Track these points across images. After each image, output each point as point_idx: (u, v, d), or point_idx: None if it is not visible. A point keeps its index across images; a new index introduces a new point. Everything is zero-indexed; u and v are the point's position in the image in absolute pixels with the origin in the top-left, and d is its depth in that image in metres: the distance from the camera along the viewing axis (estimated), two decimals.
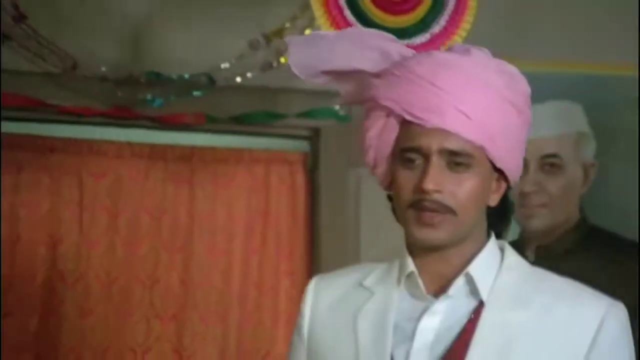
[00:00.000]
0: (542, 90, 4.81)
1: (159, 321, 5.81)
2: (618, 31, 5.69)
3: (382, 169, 3.13)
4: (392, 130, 3.07)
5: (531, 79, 4.62)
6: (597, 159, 5.10)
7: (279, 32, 5.47)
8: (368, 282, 3.27)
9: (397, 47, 3.20)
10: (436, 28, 4.95)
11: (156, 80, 5.40)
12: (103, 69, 5.35)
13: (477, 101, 3.00)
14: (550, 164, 5.17)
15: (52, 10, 5.32)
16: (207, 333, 5.90)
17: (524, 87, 3.12)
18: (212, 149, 5.79)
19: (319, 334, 3.32)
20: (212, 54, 5.44)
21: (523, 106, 3.11)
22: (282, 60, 5.49)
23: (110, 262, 5.72)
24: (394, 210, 3.13)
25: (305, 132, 5.83)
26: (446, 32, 4.91)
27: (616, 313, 3.08)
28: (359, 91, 3.20)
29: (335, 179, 5.73)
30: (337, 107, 5.68)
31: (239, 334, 5.99)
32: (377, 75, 3.13)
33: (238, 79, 5.39)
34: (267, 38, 5.51)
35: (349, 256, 5.36)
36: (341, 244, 5.62)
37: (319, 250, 5.81)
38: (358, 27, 3.89)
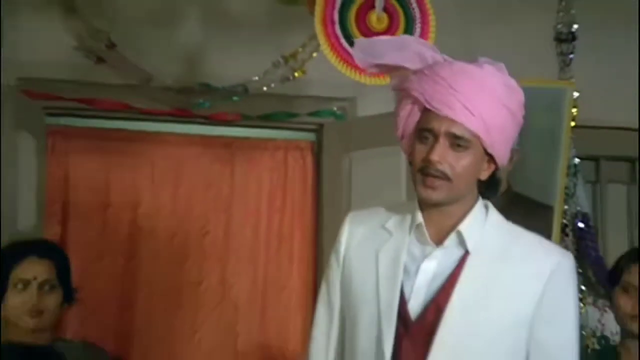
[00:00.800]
0: None
1: (208, 262, 5.83)
2: (539, 54, 5.46)
3: (406, 141, 3.26)
4: (416, 114, 3.19)
5: None
6: (519, 146, 5.16)
7: (294, 55, 5.47)
8: (389, 225, 3.33)
9: (432, 53, 3.27)
10: None
11: (206, 89, 5.40)
12: (169, 81, 5.37)
13: (480, 102, 3.11)
14: None
15: (134, 39, 5.30)
16: (242, 270, 5.93)
17: (520, 97, 3.21)
18: (246, 139, 5.79)
19: (351, 259, 3.38)
20: (246, 71, 5.38)
21: (516, 111, 3.21)
22: (296, 75, 5.49)
23: (173, 220, 5.76)
24: (413, 173, 3.27)
25: (312, 127, 5.84)
26: None
27: (568, 262, 3.22)
28: (399, 81, 3.28)
29: (334, 161, 5.65)
30: (335, 108, 5.71)
31: (265, 271, 6.03)
32: (414, 72, 3.23)
33: (264, 88, 5.38)
34: (285, 59, 5.51)
35: (342, 214, 5.11)
36: (338, 206, 5.46)
37: (322, 211, 5.82)
38: (406, 35, 3.89)
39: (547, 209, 5.33)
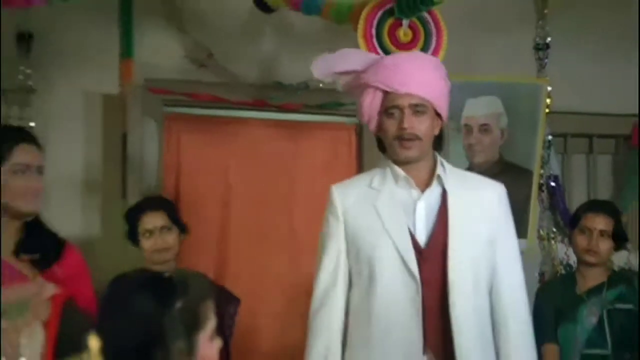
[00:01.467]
0: (480, 90, 5.23)
1: (279, 214, 5.71)
2: (523, 59, 5.63)
3: (373, 122, 3.48)
4: (378, 99, 3.43)
5: (476, 85, 5.12)
6: (508, 127, 5.36)
7: None
8: (374, 184, 3.48)
9: (369, 55, 3.64)
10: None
11: (278, 85, 5.47)
12: (251, 80, 5.46)
13: (426, 77, 3.40)
14: (484, 129, 5.35)
15: (225, 49, 5.36)
16: (305, 219, 5.66)
17: (444, 69, 3.51)
18: (306, 123, 5.76)
19: (352, 217, 3.47)
20: (307, 72, 4.53)
21: (446, 79, 3.48)
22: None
23: (252, 181, 5.65)
24: (379, 144, 3.55)
25: (355, 113, 4.97)
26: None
27: (503, 189, 3.52)
28: (354, 81, 3.55)
29: (371, 138, 4.67)
30: None
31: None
32: (363, 71, 3.50)
33: (320, 85, 5.10)
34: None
35: None
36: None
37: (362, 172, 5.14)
38: (346, 49, 3.81)
39: (528, 173, 5.47)
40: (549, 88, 5.48)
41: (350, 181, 3.66)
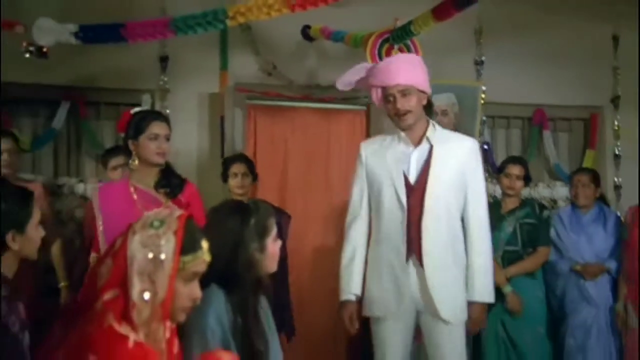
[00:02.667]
0: (442, 89, 5.21)
1: (314, 170, 5.51)
2: (467, 69, 5.58)
3: (381, 104, 3.30)
4: (380, 92, 3.27)
5: (440, 85, 4.95)
6: (459, 111, 5.15)
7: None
8: (386, 142, 3.33)
9: (369, 65, 3.43)
10: None
11: (319, 85, 5.30)
12: (301, 82, 5.32)
13: (406, 69, 3.23)
14: (444, 113, 5.06)
15: (284, 61, 5.27)
16: (337, 176, 5.49)
17: (419, 59, 3.37)
18: (336, 109, 5.55)
19: (371, 161, 3.33)
20: (335, 77, 4.71)
21: (422, 66, 3.29)
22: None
23: (300, 151, 5.51)
24: (389, 117, 3.33)
25: (365, 102, 5.38)
26: None
27: (475, 142, 3.42)
28: (365, 84, 3.36)
29: (375, 118, 5.39)
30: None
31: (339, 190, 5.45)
32: (367, 76, 3.32)
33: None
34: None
35: None
36: None
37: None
38: (357, 65, 3.55)
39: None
40: (484, 88, 5.41)
41: (372, 139, 3.56)
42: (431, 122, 3.34)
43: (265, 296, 2.46)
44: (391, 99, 3.23)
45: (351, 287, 3.31)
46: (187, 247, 1.83)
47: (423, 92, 3.27)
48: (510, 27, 5.60)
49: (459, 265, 3.27)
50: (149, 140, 3.24)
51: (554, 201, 5.71)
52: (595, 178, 4.92)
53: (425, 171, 3.24)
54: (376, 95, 3.32)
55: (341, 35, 4.98)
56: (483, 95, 5.42)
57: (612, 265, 4.66)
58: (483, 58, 5.64)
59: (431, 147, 3.26)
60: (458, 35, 5.49)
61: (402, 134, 3.29)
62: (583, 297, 4.64)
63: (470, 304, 3.25)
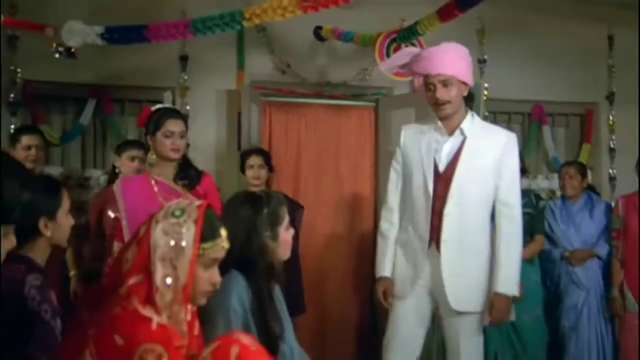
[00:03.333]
0: None
1: (325, 161, 5.49)
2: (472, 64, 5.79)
3: (421, 93, 3.15)
4: (421, 79, 3.12)
5: None
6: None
7: (366, 68, 5.25)
8: (424, 129, 3.18)
9: (415, 50, 3.23)
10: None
11: (329, 83, 5.30)
12: (312, 80, 5.30)
13: (448, 59, 3.06)
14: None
15: (297, 61, 5.25)
16: (347, 169, 5.54)
17: (468, 54, 3.15)
18: (346, 105, 5.53)
19: (407, 146, 3.20)
20: (347, 74, 5.29)
21: (466, 57, 3.13)
22: (367, 77, 5.32)
23: (313, 145, 5.50)
24: (429, 104, 3.16)
25: (374, 99, 5.43)
26: None
27: (511, 136, 3.17)
28: (408, 70, 3.20)
29: (384, 115, 5.36)
30: (384, 91, 5.40)
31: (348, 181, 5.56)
32: (411, 62, 3.15)
33: (354, 82, 5.31)
34: (364, 70, 5.30)
35: (389, 139, 5.07)
36: (387, 136, 5.18)
37: (379, 139, 5.43)
38: (402, 49, 3.50)
39: None
40: (486, 85, 5.39)
41: (413, 124, 3.36)
42: (470, 113, 3.18)
43: (278, 282, 2.44)
44: (432, 87, 3.08)
45: (385, 264, 3.22)
46: (206, 234, 1.82)
47: (465, 83, 3.11)
48: (511, 27, 5.57)
49: (482, 255, 3.10)
50: (165, 137, 3.23)
51: (552, 192, 5.69)
52: (582, 170, 4.92)
53: (455, 161, 3.09)
54: (418, 82, 3.18)
55: (351, 36, 4.99)
56: (485, 92, 5.40)
57: (602, 249, 4.69)
58: (485, 57, 5.60)
59: (464, 138, 3.12)
60: (461, 35, 5.29)
61: (439, 122, 3.15)
62: (573, 282, 4.68)
63: (495, 295, 3.05)
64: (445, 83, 3.06)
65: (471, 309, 3.09)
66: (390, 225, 3.25)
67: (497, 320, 3.10)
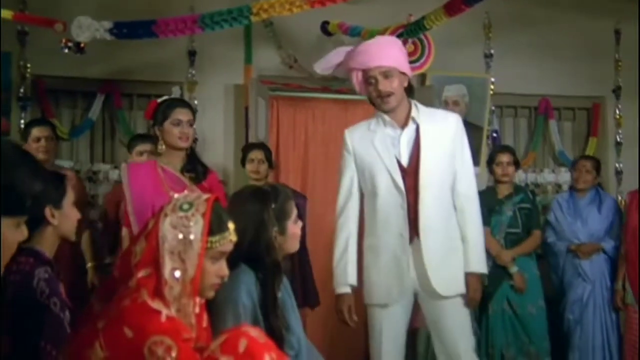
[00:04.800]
0: (453, 80, 5.19)
1: (332, 153, 5.26)
2: (477, 62, 5.50)
3: (363, 90, 3.08)
4: (360, 75, 3.04)
5: (451, 77, 4.92)
6: (469, 102, 5.28)
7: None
8: (371, 127, 3.11)
9: (348, 48, 3.16)
10: (422, 61, 4.79)
11: (336, 78, 4.81)
12: (319, 75, 4.59)
13: (386, 51, 3.01)
14: (455, 103, 5.27)
15: (304, 55, 5.10)
16: None
17: (402, 45, 3.14)
18: (352, 100, 5.34)
19: (358, 149, 3.11)
20: None
21: (401, 48, 3.11)
22: None
23: (319, 138, 5.51)
24: (372, 103, 3.10)
25: None
26: (426, 61, 4.81)
27: (458, 117, 3.17)
28: (344, 68, 3.15)
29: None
30: None
31: None
32: (347, 60, 3.10)
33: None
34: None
35: None
36: None
37: None
38: (336, 48, 3.33)
39: (480, 128, 5.37)
40: (492, 79, 5.43)
41: (356, 126, 3.25)
42: (413, 102, 3.12)
43: (286, 274, 2.44)
44: (373, 81, 3.01)
45: (347, 278, 3.09)
46: (214, 228, 1.82)
47: (404, 73, 3.06)
48: (518, 22, 5.57)
49: (454, 238, 3.08)
50: (173, 126, 3.22)
51: (559, 185, 5.72)
52: (598, 166, 4.94)
53: (416, 152, 3.04)
54: (357, 79, 3.09)
55: (358, 31, 4.96)
56: (492, 87, 5.45)
57: (607, 244, 4.70)
58: (492, 51, 5.59)
59: (417, 126, 3.06)
60: (468, 29, 5.46)
61: (387, 117, 3.07)
62: (578, 275, 4.69)
63: (467, 275, 3.07)
64: (387, 74, 3.00)
65: (459, 290, 3.08)
66: (349, 235, 3.12)
67: (474, 298, 3.11)
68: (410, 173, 3.04)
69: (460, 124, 3.15)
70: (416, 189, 3.01)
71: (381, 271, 3.08)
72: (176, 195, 1.89)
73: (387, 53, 3.03)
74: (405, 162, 3.05)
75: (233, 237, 1.91)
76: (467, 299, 3.10)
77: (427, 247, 3.02)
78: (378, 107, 3.09)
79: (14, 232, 1.48)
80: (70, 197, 2.22)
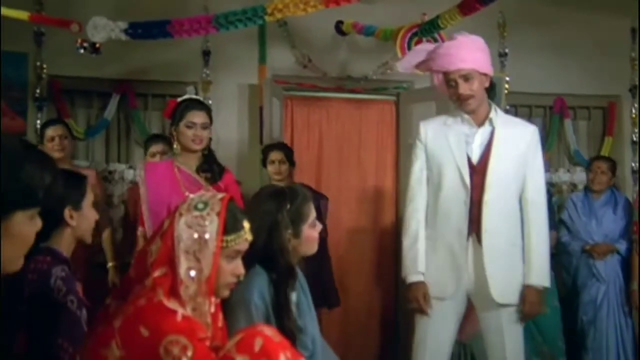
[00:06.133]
0: None
1: (346, 152, 5.48)
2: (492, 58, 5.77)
3: (443, 89, 3.09)
4: (441, 76, 3.07)
5: None
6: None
7: (386, 63, 5.22)
8: (448, 122, 3.11)
9: (430, 47, 3.18)
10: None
11: (350, 77, 5.29)
12: (333, 74, 5.29)
13: (466, 53, 3.01)
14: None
15: (318, 55, 5.24)
16: (367, 158, 5.54)
17: (485, 44, 3.11)
18: (367, 100, 5.52)
19: (431, 142, 3.11)
20: (368, 68, 5.26)
21: (483, 48, 3.09)
22: (388, 71, 5.24)
23: (334, 138, 5.51)
24: (452, 99, 3.11)
25: (395, 93, 5.42)
26: None
27: (537, 130, 3.18)
28: (426, 67, 3.16)
29: (404, 107, 5.34)
30: (405, 85, 5.36)
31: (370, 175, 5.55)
32: (428, 59, 3.11)
33: (374, 77, 5.28)
34: (385, 64, 5.25)
35: (409, 132, 5.01)
36: (407, 129, 5.13)
37: (400, 132, 5.42)
38: (416, 47, 3.45)
39: None
40: (507, 78, 5.38)
41: (433, 119, 3.27)
42: (493, 105, 3.14)
43: (304, 274, 2.43)
44: (453, 83, 3.03)
45: (418, 266, 3.06)
46: (229, 227, 1.82)
47: (485, 74, 3.07)
48: (532, 20, 5.55)
49: (517, 247, 3.05)
50: (187, 128, 3.24)
51: (574, 185, 5.71)
52: (613, 167, 4.93)
53: (488, 152, 3.05)
54: (437, 79, 3.12)
55: (372, 30, 4.99)
56: (507, 86, 5.38)
57: (621, 245, 4.69)
58: (506, 50, 5.57)
59: (493, 129, 3.08)
60: (482, 28, 5.29)
61: (466, 115, 3.09)
62: (593, 275, 4.68)
63: (527, 288, 3.02)
64: (466, 77, 3.02)
65: (513, 300, 3.03)
66: (418, 223, 3.12)
67: (530, 313, 3.05)
68: (479, 171, 3.04)
69: (537, 135, 3.16)
70: (482, 187, 3.01)
71: (438, 264, 3.06)
72: (191, 195, 1.89)
73: (467, 55, 3.03)
74: (475, 159, 3.06)
75: (248, 236, 1.90)
76: (523, 311, 3.04)
77: (488, 248, 2.99)
78: (458, 108, 3.11)
79: (29, 224, 1.49)
80: (89, 198, 2.23)
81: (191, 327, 1.70)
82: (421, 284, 3.06)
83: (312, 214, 2.39)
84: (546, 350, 4.57)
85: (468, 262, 3.02)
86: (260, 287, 2.24)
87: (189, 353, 1.65)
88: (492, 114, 3.11)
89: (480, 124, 3.10)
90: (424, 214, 3.13)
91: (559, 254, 4.76)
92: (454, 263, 3.04)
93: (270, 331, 1.77)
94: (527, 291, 3.03)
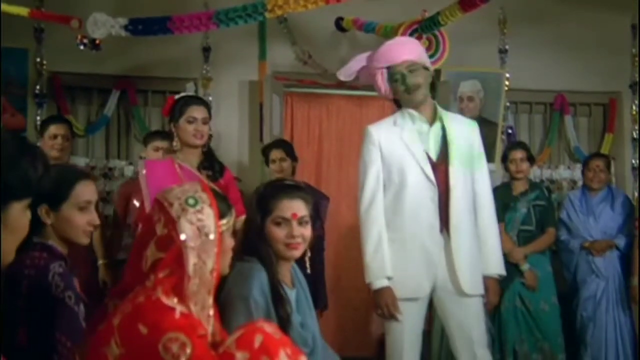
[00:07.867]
0: (468, 76, 5.17)
1: (346, 148, 5.45)
2: (492, 57, 5.47)
3: (388, 92, 3.12)
4: (385, 74, 3.08)
5: (466, 72, 4.90)
6: (484, 98, 5.28)
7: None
8: (398, 122, 3.10)
9: (368, 53, 3.20)
10: (437, 57, 4.67)
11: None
12: (334, 71, 4.61)
13: (409, 47, 3.12)
14: (470, 99, 5.28)
15: (318, 52, 5.20)
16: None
17: (418, 42, 3.29)
18: (366, 96, 5.37)
19: (385, 144, 3.07)
20: None
21: (422, 47, 3.23)
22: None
23: (334, 133, 5.53)
24: (396, 103, 3.15)
25: None
26: (441, 57, 4.72)
27: (476, 124, 3.24)
28: (368, 73, 3.18)
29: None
30: None
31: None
32: (369, 63, 3.15)
33: None
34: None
35: None
36: None
37: None
38: (357, 55, 3.34)
39: (494, 124, 5.35)
40: (507, 75, 5.40)
41: (380, 122, 3.23)
42: (435, 103, 3.16)
43: (303, 274, 2.42)
44: (398, 77, 3.05)
45: (385, 271, 3.00)
46: (222, 212, 1.85)
47: (427, 69, 3.10)
48: (533, 17, 5.55)
49: (476, 238, 3.09)
50: (187, 123, 3.26)
51: (574, 182, 5.69)
52: (609, 163, 4.96)
53: (445, 147, 3.07)
54: (381, 78, 3.11)
55: (372, 27, 4.96)
56: (507, 82, 5.41)
57: (620, 241, 4.70)
58: (507, 47, 5.57)
59: (443, 125, 3.10)
60: (483, 25, 5.43)
61: (416, 113, 3.08)
62: (592, 271, 4.69)
63: (487, 278, 3.08)
64: (412, 68, 3.05)
65: (479, 291, 3.07)
66: (380, 227, 3.04)
67: (495, 302, 3.16)
68: (439, 167, 3.06)
69: (477, 129, 3.23)
70: (446, 183, 3.03)
71: (412, 265, 3.02)
72: (165, 195, 1.85)
73: (410, 48, 3.12)
74: (434, 156, 3.07)
75: (234, 211, 1.95)
76: (486, 300, 3.10)
77: (457, 243, 3.01)
78: (405, 103, 3.11)
79: (23, 215, 1.49)
80: (75, 201, 2.15)
81: (190, 324, 1.70)
82: (389, 289, 3.00)
83: (280, 211, 2.30)
84: (546, 347, 4.57)
85: (441, 257, 3.02)
86: (260, 282, 2.22)
87: (188, 350, 1.65)
88: (440, 112, 3.13)
89: (432, 122, 3.11)
90: (384, 219, 3.05)
91: (558, 252, 4.81)
92: (428, 260, 3.02)
93: (270, 328, 1.76)
94: (488, 282, 3.10)
